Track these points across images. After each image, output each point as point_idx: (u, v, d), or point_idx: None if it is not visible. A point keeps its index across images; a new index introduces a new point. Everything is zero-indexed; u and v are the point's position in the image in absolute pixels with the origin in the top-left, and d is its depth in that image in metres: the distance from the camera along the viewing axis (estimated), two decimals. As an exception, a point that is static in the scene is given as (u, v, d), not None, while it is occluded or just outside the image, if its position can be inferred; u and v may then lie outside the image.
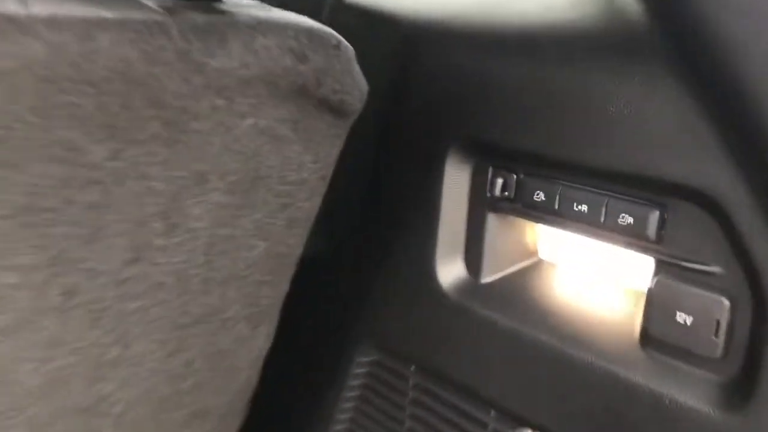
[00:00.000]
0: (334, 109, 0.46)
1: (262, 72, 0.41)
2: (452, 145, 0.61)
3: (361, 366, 0.73)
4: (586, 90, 0.50)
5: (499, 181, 0.59)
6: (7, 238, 0.37)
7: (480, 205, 0.62)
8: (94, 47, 0.34)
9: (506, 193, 0.59)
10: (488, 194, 0.60)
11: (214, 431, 0.58)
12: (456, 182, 0.62)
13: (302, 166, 0.47)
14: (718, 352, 0.46)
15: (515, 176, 0.58)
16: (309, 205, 0.50)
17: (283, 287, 0.55)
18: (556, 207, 0.55)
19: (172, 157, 0.40)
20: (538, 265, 0.65)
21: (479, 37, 0.58)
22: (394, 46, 0.65)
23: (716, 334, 0.46)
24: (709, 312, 0.46)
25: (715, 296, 0.46)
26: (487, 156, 0.60)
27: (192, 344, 0.51)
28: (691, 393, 0.47)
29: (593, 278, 0.60)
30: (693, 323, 0.47)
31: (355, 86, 0.47)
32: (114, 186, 0.39)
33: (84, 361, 0.45)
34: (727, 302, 0.46)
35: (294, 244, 0.52)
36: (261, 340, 0.56)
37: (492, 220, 0.62)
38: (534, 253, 0.65)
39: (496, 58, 0.56)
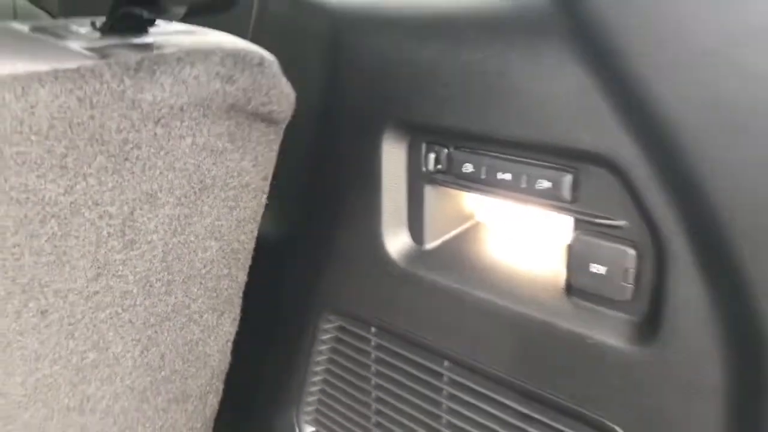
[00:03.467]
0: (265, 118, 0.50)
1: (194, 98, 0.44)
2: (387, 126, 0.65)
3: (327, 332, 0.79)
4: (503, 70, 0.54)
5: (432, 156, 0.64)
6: None
7: (417, 178, 0.66)
8: (33, 101, 0.37)
9: (439, 166, 0.64)
10: (423, 168, 0.65)
11: (195, 411, 0.63)
12: (394, 159, 0.66)
13: (243, 172, 0.51)
14: (628, 295, 0.53)
15: (446, 150, 0.63)
16: (255, 204, 0.55)
17: (242, 277, 0.60)
18: (483, 176, 0.60)
19: (120, 183, 0.44)
20: (475, 227, 0.70)
21: (405, 23, 0.61)
22: (325, 33, 0.68)
23: (625, 280, 0.52)
24: (619, 261, 0.53)
25: (623, 247, 0.52)
26: (420, 134, 0.65)
27: (163, 339, 0.56)
28: (608, 332, 0.54)
29: (524, 237, 0.66)
30: (607, 272, 0.53)
31: (282, 96, 0.50)
32: (71, 216, 0.43)
33: (65, 368, 0.50)
34: (632, 251, 0.52)
35: (246, 239, 0.56)
36: (227, 326, 0.61)
37: (429, 191, 0.66)
38: (471, 216, 0.71)
39: (421, 43, 0.60)
